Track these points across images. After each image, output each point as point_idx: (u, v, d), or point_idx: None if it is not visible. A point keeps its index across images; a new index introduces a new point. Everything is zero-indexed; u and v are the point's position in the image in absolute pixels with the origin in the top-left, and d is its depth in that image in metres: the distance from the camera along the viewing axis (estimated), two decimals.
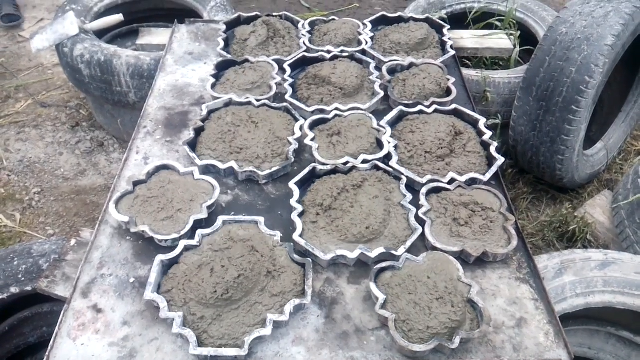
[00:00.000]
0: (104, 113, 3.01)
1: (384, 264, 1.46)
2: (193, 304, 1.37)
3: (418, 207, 1.64)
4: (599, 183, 2.67)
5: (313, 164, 1.79)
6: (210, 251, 1.49)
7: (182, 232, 1.53)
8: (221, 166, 1.78)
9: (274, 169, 1.78)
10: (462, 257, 1.56)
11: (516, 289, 1.52)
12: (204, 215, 1.58)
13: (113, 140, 3.11)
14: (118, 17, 2.88)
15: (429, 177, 1.75)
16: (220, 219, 1.59)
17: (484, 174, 1.78)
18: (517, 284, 1.53)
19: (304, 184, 1.74)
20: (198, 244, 1.52)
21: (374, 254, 1.49)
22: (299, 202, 1.65)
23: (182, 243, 1.51)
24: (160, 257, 1.48)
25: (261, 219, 1.59)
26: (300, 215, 1.61)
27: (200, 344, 1.30)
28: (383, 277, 1.44)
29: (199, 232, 1.54)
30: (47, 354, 1.32)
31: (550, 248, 2.33)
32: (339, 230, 1.57)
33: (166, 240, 1.54)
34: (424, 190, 1.69)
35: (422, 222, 1.60)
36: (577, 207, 2.46)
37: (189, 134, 1.91)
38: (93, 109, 3.16)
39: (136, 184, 1.69)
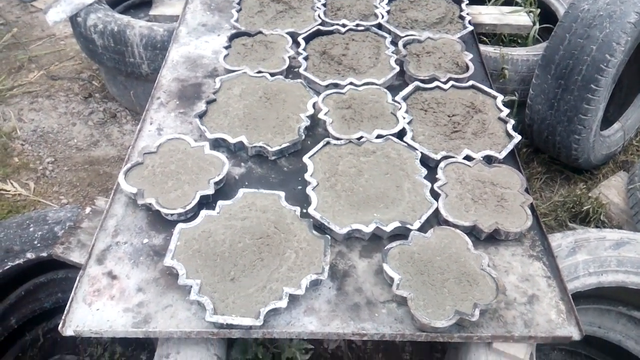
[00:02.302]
0: (117, 84, 3.00)
1: (394, 243, 1.46)
2: (207, 276, 1.39)
3: (434, 180, 1.63)
4: (614, 164, 2.63)
5: (327, 139, 1.78)
6: (229, 224, 1.49)
7: (188, 207, 1.54)
8: (231, 140, 1.77)
9: (284, 145, 1.77)
10: (473, 232, 1.55)
11: (529, 266, 1.52)
12: (210, 191, 1.58)
13: (126, 111, 3.11)
14: None
15: (443, 153, 1.74)
16: (242, 191, 1.60)
17: (499, 152, 1.76)
18: (530, 261, 1.53)
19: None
20: (217, 214, 1.52)
21: (389, 227, 1.49)
22: (312, 175, 1.65)
23: (203, 212, 1.52)
24: (181, 226, 1.49)
25: (281, 193, 1.59)
26: (314, 188, 1.60)
27: (215, 311, 1.31)
28: (391, 252, 1.44)
29: (220, 203, 1.55)
30: (63, 317, 1.35)
31: (563, 228, 2.31)
32: (350, 197, 1.56)
33: (172, 214, 1.54)
34: (442, 164, 1.67)
35: (436, 196, 1.59)
36: (591, 188, 2.43)
37: (201, 106, 1.90)
38: (106, 80, 3.15)
39: (147, 155, 1.69)
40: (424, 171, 1.67)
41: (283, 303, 1.32)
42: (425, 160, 1.74)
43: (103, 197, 1.72)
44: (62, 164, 2.79)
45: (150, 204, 1.54)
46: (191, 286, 1.35)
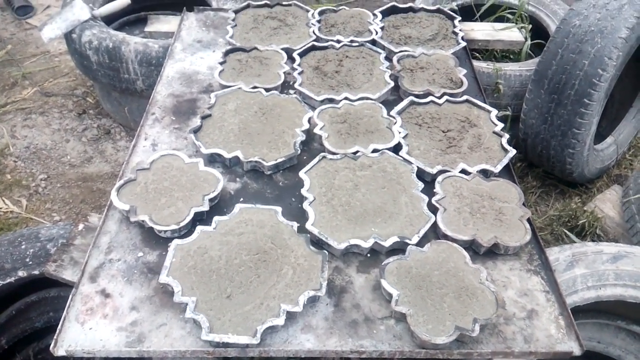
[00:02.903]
0: (111, 100, 3.00)
1: (391, 259, 1.44)
2: (203, 293, 1.36)
3: (432, 194, 1.63)
4: (608, 178, 2.64)
5: (323, 153, 1.78)
6: (225, 239, 1.48)
7: (182, 224, 1.52)
8: (226, 155, 1.76)
9: (279, 160, 1.76)
10: (472, 247, 1.54)
11: (527, 280, 1.50)
12: (205, 207, 1.57)
13: (120, 128, 3.10)
14: (126, 1, 2.86)
15: (439, 167, 1.74)
16: (238, 206, 1.58)
17: (495, 166, 1.76)
18: (528, 276, 1.52)
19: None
20: (214, 230, 1.51)
21: (387, 242, 1.48)
22: (309, 190, 1.64)
23: (199, 228, 1.50)
24: (177, 242, 1.47)
25: (278, 209, 1.58)
26: (311, 203, 1.59)
27: (211, 330, 1.29)
28: (389, 268, 1.43)
29: (216, 219, 1.53)
30: (55, 337, 1.32)
31: (559, 242, 2.31)
32: (348, 212, 1.55)
33: (165, 231, 1.53)
34: (439, 178, 1.67)
35: (435, 210, 1.59)
36: (586, 202, 2.44)
37: (196, 122, 1.89)
38: (100, 96, 3.14)
39: (140, 172, 1.68)
40: (421, 185, 1.67)
41: (280, 320, 1.30)
42: (421, 175, 1.74)
43: (96, 213, 1.70)
44: (55, 180, 2.76)
45: (143, 220, 1.52)
46: (187, 304, 1.33)
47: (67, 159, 2.89)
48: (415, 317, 1.30)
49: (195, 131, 1.86)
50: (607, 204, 2.26)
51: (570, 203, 2.41)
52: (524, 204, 1.62)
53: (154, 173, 1.69)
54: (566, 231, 2.27)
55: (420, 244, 1.51)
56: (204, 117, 1.91)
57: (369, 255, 1.54)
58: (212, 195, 1.60)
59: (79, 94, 3.37)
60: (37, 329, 1.81)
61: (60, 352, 1.30)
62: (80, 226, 1.63)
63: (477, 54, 2.99)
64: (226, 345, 1.29)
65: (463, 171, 1.73)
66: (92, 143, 3.00)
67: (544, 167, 2.50)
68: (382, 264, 1.44)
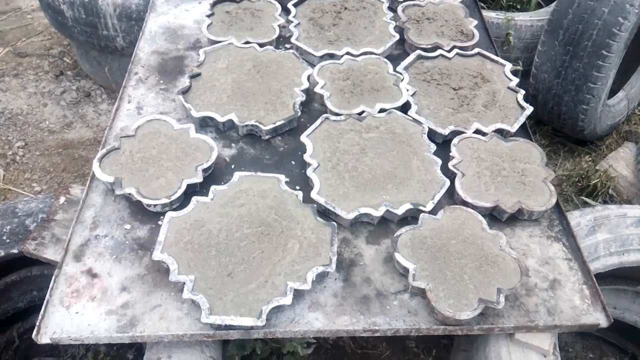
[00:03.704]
0: (90, 60, 2.78)
1: (403, 229, 1.33)
2: (201, 271, 1.24)
3: (448, 157, 1.50)
4: (617, 135, 2.53)
5: (325, 115, 1.63)
6: (224, 211, 1.35)
7: (173, 197, 1.38)
8: (219, 118, 1.60)
9: (278, 123, 1.61)
10: (494, 213, 1.43)
11: (548, 248, 1.40)
12: (198, 179, 1.42)
13: (101, 90, 2.90)
14: None
15: (452, 127, 1.60)
16: (237, 174, 1.44)
17: (511, 125, 1.63)
18: (548, 243, 1.42)
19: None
20: (211, 201, 1.37)
21: (400, 210, 1.36)
22: (312, 156, 1.50)
23: (195, 199, 1.37)
24: (171, 215, 1.34)
25: (282, 177, 1.44)
26: (315, 170, 1.46)
27: (212, 311, 1.17)
28: (402, 239, 1.31)
29: (214, 188, 1.40)
30: (37, 323, 1.20)
31: (568, 204, 2.22)
32: (355, 178, 1.43)
33: (155, 205, 1.39)
34: (455, 140, 1.54)
35: (450, 174, 1.46)
36: (596, 161, 2.33)
37: (184, 82, 1.72)
38: (78, 56, 2.92)
39: (124, 139, 1.52)
40: (433, 147, 1.54)
41: (287, 300, 1.19)
42: (431, 136, 1.60)
43: (78, 184, 1.55)
44: (33, 148, 2.58)
45: (130, 194, 1.37)
46: (184, 283, 1.21)
47: (45, 124, 2.70)
48: (436, 292, 1.20)
49: (184, 92, 1.69)
50: (620, 162, 2.16)
51: (581, 162, 2.30)
52: (546, 165, 1.50)
53: (140, 140, 1.53)
54: (573, 195, 2.17)
55: (433, 211, 1.40)
56: (192, 77, 1.74)
57: (378, 225, 1.42)
58: (205, 165, 1.46)
59: (55, 54, 3.13)
60: (21, 309, 1.69)
61: (44, 339, 1.19)
62: (62, 199, 1.48)
63: (482, 3, 2.79)
64: (228, 327, 1.18)
65: (477, 131, 1.60)
66: (72, 107, 2.80)
67: (553, 125, 2.38)
68: (395, 235, 1.32)
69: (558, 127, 2.36)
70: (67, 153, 2.56)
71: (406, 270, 1.25)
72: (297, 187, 1.48)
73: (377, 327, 1.22)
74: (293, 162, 1.59)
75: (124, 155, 1.48)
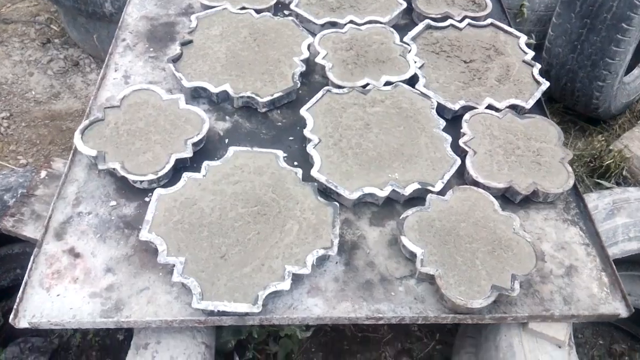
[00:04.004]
0: (78, 27, 2.63)
1: (410, 211, 1.23)
2: (193, 253, 1.15)
3: (458, 134, 1.40)
4: (631, 114, 2.43)
5: (327, 87, 1.52)
6: (218, 189, 1.25)
7: (161, 173, 1.28)
8: (213, 89, 1.49)
9: (276, 95, 1.50)
10: (507, 195, 1.34)
11: (564, 232, 1.32)
12: (187, 153, 1.32)
13: (89, 59, 2.76)
14: None
15: (462, 102, 1.49)
16: (232, 149, 1.34)
17: (526, 101, 1.52)
18: (564, 227, 1.33)
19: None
20: (203, 178, 1.27)
21: (407, 190, 1.26)
22: (313, 131, 1.39)
23: (186, 175, 1.27)
24: (160, 191, 1.24)
25: (280, 153, 1.34)
26: (316, 146, 1.35)
27: (203, 296, 1.08)
28: (408, 222, 1.22)
29: (206, 164, 1.30)
30: (15, 305, 1.11)
31: (580, 185, 2.12)
32: (359, 156, 1.33)
33: (141, 182, 1.28)
34: (467, 115, 1.43)
35: (461, 152, 1.37)
36: (609, 140, 2.23)
37: (175, 49, 1.60)
38: (65, 22, 2.77)
39: (109, 110, 1.41)
40: (442, 123, 1.44)
41: (285, 285, 1.10)
42: (440, 111, 1.50)
43: (61, 158, 1.44)
44: (19, 119, 2.46)
45: (114, 169, 1.27)
46: (174, 265, 1.12)
47: (31, 94, 2.57)
48: (446, 279, 1.11)
49: (175, 60, 1.57)
50: (635, 142, 2.06)
51: (593, 142, 2.20)
52: (564, 144, 1.40)
53: (125, 111, 1.42)
54: (584, 176, 2.08)
55: (442, 191, 1.30)
56: (184, 44, 1.61)
57: (382, 205, 1.33)
58: (195, 139, 1.35)
59: (42, 21, 2.98)
60: (4, 287, 1.60)
61: (22, 323, 1.10)
62: (43, 173, 1.38)
63: None
64: (222, 314, 1.09)
65: (490, 107, 1.50)
66: (59, 76, 2.66)
67: (565, 102, 2.27)
68: (401, 217, 1.23)
69: (570, 104, 2.26)
70: (54, 125, 2.44)
71: (413, 254, 1.16)
72: (296, 164, 1.38)
73: (381, 314, 1.14)
74: (291, 138, 1.48)
75: (108, 127, 1.37)
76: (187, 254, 1.14)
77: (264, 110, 1.52)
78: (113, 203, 1.30)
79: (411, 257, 1.19)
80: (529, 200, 1.35)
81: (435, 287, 1.13)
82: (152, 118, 1.41)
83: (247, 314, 1.09)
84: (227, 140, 1.46)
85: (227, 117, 1.53)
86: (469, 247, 1.18)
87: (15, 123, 2.44)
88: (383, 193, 1.26)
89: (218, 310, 1.07)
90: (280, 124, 1.52)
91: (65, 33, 2.85)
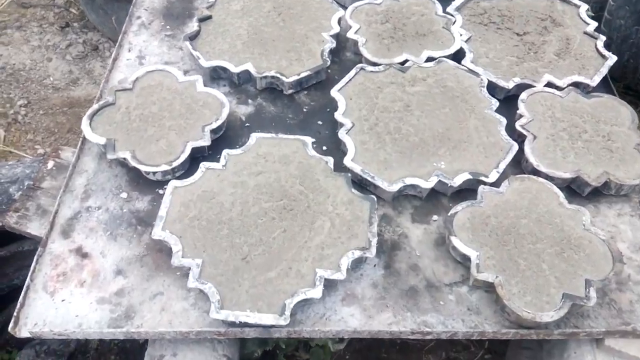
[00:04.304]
0: (96, 9, 2.52)
1: (459, 206, 1.06)
2: (211, 254, 1.01)
3: (514, 117, 1.22)
4: None
5: (360, 65, 1.34)
6: (239, 180, 1.11)
7: (175, 164, 1.14)
8: (233, 69, 1.34)
9: (303, 74, 1.33)
10: (572, 186, 1.15)
11: None
12: (205, 142, 1.18)
13: (109, 42, 2.64)
14: None
15: (517, 80, 1.30)
16: (254, 136, 1.19)
17: (591, 78, 1.32)
18: None
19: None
20: (223, 168, 1.13)
21: (456, 181, 1.09)
22: (345, 114, 1.23)
23: (203, 166, 1.13)
24: (175, 184, 1.10)
25: (308, 139, 1.19)
26: (349, 131, 1.19)
27: (223, 304, 0.94)
28: (458, 219, 1.05)
29: (226, 152, 1.16)
30: (15, 312, 0.99)
31: None
32: (399, 142, 1.16)
33: (154, 173, 1.15)
34: (523, 95, 1.25)
35: (518, 138, 1.18)
36: None
37: (192, 26, 1.45)
38: (84, 5, 2.66)
39: (120, 93, 1.27)
40: (495, 103, 1.25)
41: (316, 292, 0.95)
42: (491, 90, 1.31)
43: (71, 147, 1.32)
44: (36, 106, 2.37)
45: (124, 158, 1.14)
46: (189, 268, 0.98)
47: (49, 80, 2.48)
48: (508, 287, 0.94)
49: (192, 38, 1.42)
50: None
51: None
52: (638, 128, 1.20)
53: (138, 95, 1.28)
54: None
55: (496, 182, 1.13)
56: (202, 20, 1.47)
57: (426, 198, 1.16)
58: (214, 125, 1.21)
59: (61, 4, 2.88)
60: (17, 286, 1.50)
61: (23, 332, 0.98)
62: (50, 164, 1.26)
63: None
64: (244, 325, 0.95)
65: (549, 85, 1.30)
66: (78, 61, 2.56)
67: (626, 81, 2.03)
68: (449, 214, 1.06)
69: (632, 83, 2.02)
70: (72, 112, 2.34)
71: (466, 258, 0.99)
72: (326, 152, 1.22)
73: (428, 327, 0.98)
74: (320, 122, 1.32)
75: (119, 112, 1.24)
76: (204, 255, 1.00)
77: (289, 92, 1.37)
78: (125, 195, 1.17)
79: (463, 261, 1.02)
80: (599, 193, 1.16)
81: (494, 296, 0.97)
82: (166, 102, 1.27)
83: (273, 326, 0.94)
84: (248, 126, 1.31)
85: (249, 101, 1.38)
86: (533, 248, 1.00)
87: (33, 111, 2.35)
88: (428, 184, 1.09)
89: (240, 322, 0.93)
90: (307, 107, 1.36)
91: (85, 16, 2.74)
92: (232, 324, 0.95)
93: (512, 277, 0.96)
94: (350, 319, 0.99)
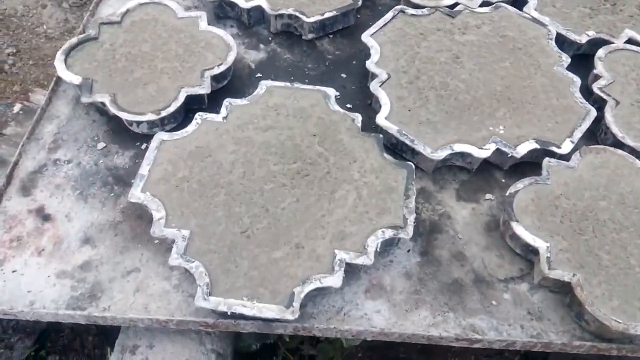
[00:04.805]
0: None
1: (520, 184, 0.83)
2: (202, 225, 0.79)
3: (590, 77, 0.98)
4: None
5: (399, 6, 1.10)
6: (243, 136, 0.89)
7: (165, 113, 0.91)
8: (243, 4, 1.11)
9: (327, 14, 1.10)
10: None
11: None
12: (204, 89, 0.95)
13: None
14: None
15: (591, 33, 1.06)
16: (264, 84, 0.96)
17: None
18: None
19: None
20: (223, 121, 0.91)
21: (519, 151, 0.86)
22: (379, 64, 0.99)
23: (199, 116, 0.90)
24: (162, 137, 0.88)
25: (331, 91, 0.96)
26: (384, 84, 0.95)
27: (213, 289, 0.73)
28: (520, 199, 0.82)
29: (229, 101, 0.93)
30: None
31: None
32: (445, 100, 0.92)
33: (138, 124, 0.92)
34: (600, 52, 1.00)
35: (595, 102, 0.94)
36: None
37: None
38: None
39: (105, 27, 1.04)
40: (566, 59, 1.01)
41: (335, 280, 0.73)
42: (558, 45, 1.06)
43: (43, 89, 1.10)
44: (26, 56, 2.15)
45: (102, 103, 0.92)
46: (173, 240, 0.76)
47: (42, 29, 2.25)
48: (589, 288, 0.71)
49: None
50: None
51: None
52: None
53: (127, 30, 1.06)
54: None
55: (567, 155, 0.89)
56: None
57: (476, 172, 0.93)
58: (217, 71, 0.98)
59: None
60: None
61: None
62: (16, 107, 1.05)
63: None
64: (239, 317, 0.73)
65: (630, 42, 1.06)
66: (75, 10, 2.33)
67: None
68: (508, 193, 0.83)
69: None
70: None
71: (529, 249, 0.76)
72: (350, 109, 0.99)
73: (478, 333, 0.76)
74: (345, 76, 1.09)
75: (102, 48, 1.02)
76: (193, 225, 0.78)
77: (310, 36, 1.13)
78: (101, 146, 0.95)
79: (523, 252, 0.80)
80: None
81: (563, 297, 0.74)
82: (161, 40, 1.05)
83: (276, 320, 0.72)
84: (259, 75, 1.08)
85: (261, 46, 1.14)
86: (617, 238, 0.77)
87: (22, 60, 2.13)
88: (482, 153, 0.86)
89: (233, 312, 0.71)
90: (331, 56, 1.13)
91: None
92: (224, 315, 0.74)
93: (593, 275, 0.73)
94: (375, 317, 0.77)
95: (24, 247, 0.83)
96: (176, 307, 0.77)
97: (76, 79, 0.95)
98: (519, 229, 0.77)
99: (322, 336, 0.78)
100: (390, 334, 0.76)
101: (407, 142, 0.87)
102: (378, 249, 0.76)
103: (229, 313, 0.71)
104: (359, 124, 0.91)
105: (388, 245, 0.81)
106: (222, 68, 1.00)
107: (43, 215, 0.87)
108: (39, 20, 2.28)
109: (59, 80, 1.05)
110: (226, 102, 0.94)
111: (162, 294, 0.78)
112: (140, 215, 0.86)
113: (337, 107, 0.94)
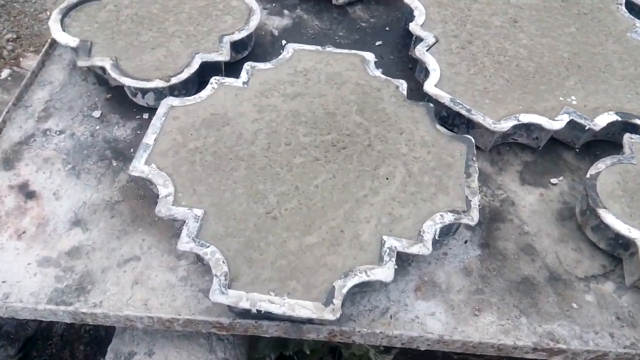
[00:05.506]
0: None
1: (602, 163, 0.68)
2: (219, 203, 0.65)
3: None
4: None
5: None
6: (267, 103, 0.75)
7: (175, 80, 0.77)
8: None
9: None
10: None
11: None
12: (222, 56, 0.81)
13: None
14: None
15: None
16: (291, 47, 0.83)
17: None
18: None
19: None
20: (244, 86, 0.77)
21: (597, 123, 0.71)
22: (424, 26, 0.85)
23: (215, 81, 0.77)
24: (170, 101, 0.74)
25: (369, 55, 0.82)
26: (431, 49, 0.82)
27: (233, 281, 0.58)
28: (603, 182, 0.67)
29: (249, 65, 0.79)
30: None
31: None
32: (505, 66, 0.78)
33: (144, 93, 0.78)
34: None
35: None
36: None
37: None
38: None
39: None
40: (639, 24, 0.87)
41: (385, 273, 0.58)
42: (629, 11, 0.93)
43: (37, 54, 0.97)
44: (26, 43, 2.03)
45: (101, 68, 0.78)
46: (183, 222, 0.61)
47: (45, 15, 2.14)
48: None
49: None
50: None
51: None
52: None
53: None
54: None
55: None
56: None
57: (544, 150, 0.78)
58: (237, 37, 0.84)
59: None
60: None
61: None
62: (4, 72, 0.92)
63: None
64: (264, 316, 0.58)
65: None
66: None
67: None
68: (589, 175, 0.68)
69: None
70: None
71: (620, 242, 0.61)
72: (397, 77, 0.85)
73: (558, 343, 0.60)
74: (380, 43, 0.95)
75: (105, 9, 0.89)
76: (208, 204, 0.64)
77: (341, 2, 1.00)
78: (98, 114, 0.81)
79: (607, 246, 0.65)
80: None
81: None
82: (172, 2, 0.91)
83: (311, 320, 0.57)
84: (284, 43, 0.95)
85: (285, 12, 1.01)
86: None
87: (21, 47, 2.00)
88: (555, 124, 0.72)
89: (258, 311, 0.56)
90: (365, 24, 0.99)
91: None
92: (244, 314, 0.59)
93: None
94: (429, 321, 0.62)
95: (1, 228, 0.69)
96: (183, 304, 0.62)
97: (73, 41, 0.82)
98: (609, 218, 0.62)
99: (363, 343, 0.63)
100: (451, 342, 0.61)
101: (464, 112, 0.73)
102: (436, 236, 0.62)
103: (253, 311, 0.57)
104: (404, 91, 0.77)
105: (442, 235, 0.66)
106: (244, 34, 0.87)
107: (26, 192, 0.73)
108: (43, 6, 2.16)
109: (53, 42, 0.92)
110: (247, 65, 0.81)
111: (166, 287, 0.64)
112: (143, 195, 0.72)
113: (377, 73, 0.80)
